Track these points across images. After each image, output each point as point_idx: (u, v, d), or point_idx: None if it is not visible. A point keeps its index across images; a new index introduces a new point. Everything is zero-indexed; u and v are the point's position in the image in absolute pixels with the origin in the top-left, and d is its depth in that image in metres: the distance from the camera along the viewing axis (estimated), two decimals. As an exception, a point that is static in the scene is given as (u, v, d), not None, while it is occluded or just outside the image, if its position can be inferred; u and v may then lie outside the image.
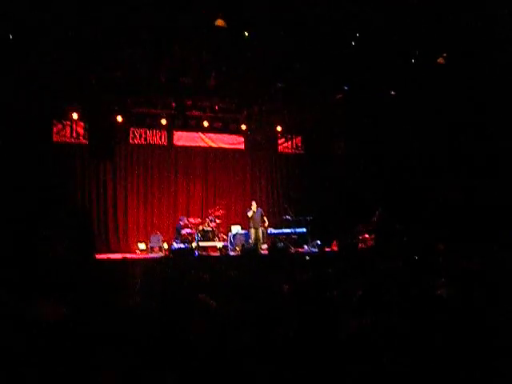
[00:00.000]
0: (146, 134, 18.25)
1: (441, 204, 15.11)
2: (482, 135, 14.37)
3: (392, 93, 15.80)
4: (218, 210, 17.82)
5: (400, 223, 15.46)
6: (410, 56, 13.85)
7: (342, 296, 4.90)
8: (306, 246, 17.10)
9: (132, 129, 17.99)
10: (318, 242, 16.72)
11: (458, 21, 11.91)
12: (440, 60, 13.43)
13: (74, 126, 17.02)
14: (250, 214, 16.92)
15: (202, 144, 19.20)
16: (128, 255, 15.29)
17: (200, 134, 19.00)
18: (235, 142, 19.71)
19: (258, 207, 17.23)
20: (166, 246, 16.75)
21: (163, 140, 18.55)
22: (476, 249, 8.45)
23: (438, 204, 15.19)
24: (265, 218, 17.35)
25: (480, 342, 3.44)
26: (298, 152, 20.77)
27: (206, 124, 17.93)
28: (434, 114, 15.45)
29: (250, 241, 16.75)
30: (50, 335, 3.45)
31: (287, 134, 20.31)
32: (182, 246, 16.14)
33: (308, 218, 17.55)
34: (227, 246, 17.16)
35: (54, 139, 16.72)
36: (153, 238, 16.83)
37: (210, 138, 19.25)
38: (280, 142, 20.47)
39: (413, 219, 15.23)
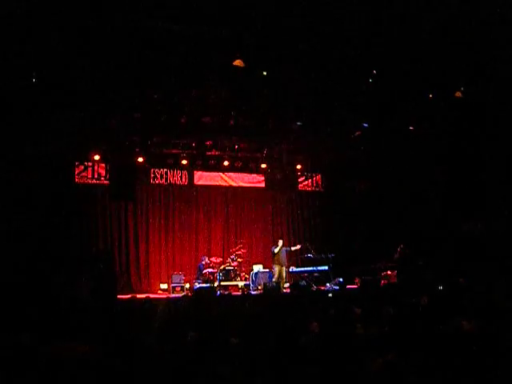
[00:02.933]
0: (166, 174, 18.33)
1: (462, 238, 14.97)
2: (504, 167, 14.30)
3: (410, 128, 15.81)
4: (240, 249, 17.76)
5: (422, 259, 15.31)
6: (427, 91, 13.90)
7: (366, 333, 4.84)
8: (328, 284, 16.93)
9: (153, 169, 18.09)
10: (340, 279, 16.56)
11: (474, 55, 11.98)
12: (457, 94, 13.45)
13: (96, 167, 17.16)
14: (276, 250, 16.83)
15: (222, 183, 19.26)
16: (150, 295, 15.22)
17: (220, 173, 19.06)
18: (255, 180, 19.74)
19: (283, 246, 17.18)
20: (187, 285, 16.68)
21: (184, 180, 18.63)
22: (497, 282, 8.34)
23: (460, 238, 15.05)
24: (292, 248, 17.39)
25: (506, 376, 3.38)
26: (318, 190, 20.73)
27: (226, 163, 18.02)
28: (454, 148, 15.42)
29: (274, 279, 16.64)
30: (75, 372, 3.45)
31: (307, 172, 20.32)
32: (203, 285, 16.06)
33: (330, 256, 17.42)
34: (249, 285, 17.06)
35: (76, 180, 16.85)
36: (174, 278, 16.76)
37: (230, 177, 19.31)
38: (300, 180, 20.46)
39: (435, 255, 15.08)
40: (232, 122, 15.52)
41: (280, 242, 17.13)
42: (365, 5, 10.28)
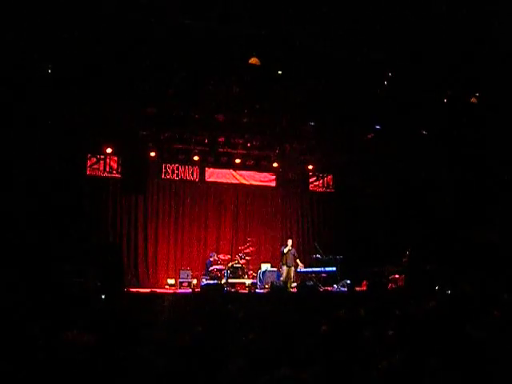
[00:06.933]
0: (178, 169, 18.34)
1: (473, 244, 14.91)
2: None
3: (424, 132, 15.76)
4: (248, 247, 17.77)
5: (431, 264, 15.26)
6: (442, 95, 13.85)
7: (374, 335, 4.83)
8: (335, 286, 16.92)
9: (164, 164, 18.09)
10: (348, 281, 16.54)
11: (488, 60, 11.93)
12: (473, 99, 13.40)
13: (108, 160, 17.19)
14: (285, 250, 16.86)
15: (233, 181, 19.25)
16: (157, 290, 15.24)
17: (232, 170, 19.07)
18: (266, 179, 19.74)
19: (292, 247, 17.16)
20: (195, 281, 16.71)
21: (195, 176, 18.64)
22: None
23: (470, 244, 15.00)
24: (298, 261, 17.23)
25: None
26: (328, 191, 20.70)
27: (237, 161, 18.06)
28: (467, 154, 15.37)
29: (282, 278, 16.66)
30: (80, 359, 3.47)
31: (318, 172, 20.30)
32: (211, 282, 16.07)
33: (338, 257, 17.39)
34: (256, 284, 17.08)
35: (88, 173, 16.91)
36: (182, 274, 16.79)
37: (241, 175, 19.30)
38: (311, 180, 20.43)
39: (444, 260, 15.03)
40: (245, 120, 15.53)
41: (289, 242, 17.13)
42: (381, 7, 10.26)
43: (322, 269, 17.47)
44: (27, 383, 3.31)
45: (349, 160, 18.98)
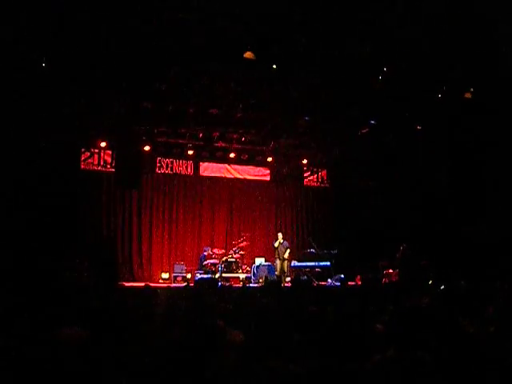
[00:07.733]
0: (172, 163, 18.33)
1: (466, 240, 14.95)
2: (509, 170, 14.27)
3: (418, 127, 15.78)
4: (242, 242, 17.78)
5: (424, 259, 15.29)
6: (436, 91, 13.87)
7: (366, 330, 4.83)
8: (329, 280, 16.94)
9: (159, 158, 18.08)
10: (342, 276, 16.56)
11: (484, 56, 11.95)
12: (467, 95, 13.41)
13: (102, 154, 17.15)
14: (276, 244, 16.87)
15: (227, 175, 19.25)
16: (151, 284, 15.19)
17: (226, 165, 19.06)
18: (261, 174, 19.74)
19: (284, 239, 17.16)
20: (189, 275, 16.71)
21: (189, 170, 18.63)
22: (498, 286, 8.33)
23: (464, 240, 15.03)
24: (288, 250, 17.20)
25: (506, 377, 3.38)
26: (323, 185, 20.74)
27: (232, 155, 18.05)
28: (461, 149, 15.39)
29: (276, 272, 16.67)
30: (74, 356, 3.47)
31: (313, 167, 20.33)
32: (205, 276, 16.08)
33: (332, 252, 17.42)
34: (250, 278, 17.09)
35: (82, 167, 16.85)
36: (176, 268, 16.80)
37: (235, 170, 19.30)
38: (305, 175, 20.46)
39: (438, 255, 15.06)
40: (240, 115, 15.52)
41: (279, 236, 17.12)
42: (376, 2, 10.27)
43: (316, 263, 17.49)
44: (20, 381, 3.30)
45: (343, 155, 19.01)
